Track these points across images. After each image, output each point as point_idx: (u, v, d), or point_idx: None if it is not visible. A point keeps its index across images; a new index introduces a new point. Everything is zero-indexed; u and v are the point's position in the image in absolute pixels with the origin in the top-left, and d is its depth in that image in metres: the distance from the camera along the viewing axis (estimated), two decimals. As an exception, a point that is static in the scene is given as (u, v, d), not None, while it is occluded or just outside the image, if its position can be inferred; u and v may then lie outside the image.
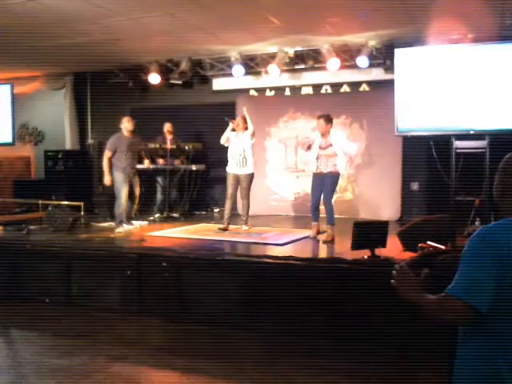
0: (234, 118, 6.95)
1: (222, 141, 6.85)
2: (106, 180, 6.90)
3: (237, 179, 6.79)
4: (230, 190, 6.83)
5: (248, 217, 6.92)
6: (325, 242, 5.98)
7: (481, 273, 1.53)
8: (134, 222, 7.20)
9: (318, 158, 6.15)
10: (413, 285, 1.66)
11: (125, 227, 6.89)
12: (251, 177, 6.81)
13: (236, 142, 6.80)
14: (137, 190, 7.16)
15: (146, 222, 7.42)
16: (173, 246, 5.72)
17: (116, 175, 6.91)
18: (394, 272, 1.69)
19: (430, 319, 1.64)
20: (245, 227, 6.84)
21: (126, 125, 6.98)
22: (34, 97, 10.35)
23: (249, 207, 6.88)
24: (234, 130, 6.85)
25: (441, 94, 6.61)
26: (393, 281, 1.68)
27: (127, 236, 6.58)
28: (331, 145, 6.09)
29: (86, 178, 9.65)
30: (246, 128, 6.79)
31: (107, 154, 6.93)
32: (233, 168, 6.81)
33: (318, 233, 6.28)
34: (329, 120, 6.14)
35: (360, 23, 6.55)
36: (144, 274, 5.35)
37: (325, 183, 6.14)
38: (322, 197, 6.23)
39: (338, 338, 4.39)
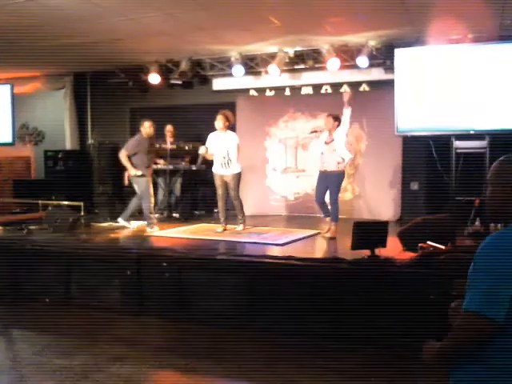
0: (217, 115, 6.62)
1: (201, 151, 6.63)
2: (133, 172, 6.83)
3: (224, 180, 6.63)
4: (219, 191, 6.71)
5: (244, 217, 6.81)
6: (330, 239, 6.16)
7: (497, 284, 1.50)
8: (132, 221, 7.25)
9: (322, 154, 6.25)
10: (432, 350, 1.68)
11: (155, 227, 6.90)
12: (238, 176, 6.61)
13: (218, 142, 6.57)
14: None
15: (145, 222, 7.40)
16: (173, 246, 5.73)
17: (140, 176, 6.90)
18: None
19: (456, 349, 1.61)
20: (239, 227, 6.76)
21: (148, 130, 6.96)
22: (34, 97, 10.36)
23: (242, 207, 6.75)
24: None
25: (441, 93, 6.62)
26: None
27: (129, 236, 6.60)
28: (334, 139, 6.19)
29: (86, 178, 9.64)
30: (228, 126, 6.59)
31: (124, 153, 6.89)
32: (218, 169, 6.63)
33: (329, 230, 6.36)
34: (337, 118, 6.24)
35: (360, 23, 6.55)
36: (144, 274, 5.35)
37: (329, 181, 6.25)
38: (326, 194, 6.38)
39: (338, 337, 4.39)
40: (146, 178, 6.90)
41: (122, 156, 6.88)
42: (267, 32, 6.96)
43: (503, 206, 1.64)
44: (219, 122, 6.54)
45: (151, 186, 6.98)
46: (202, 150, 6.64)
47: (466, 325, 1.54)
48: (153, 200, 6.95)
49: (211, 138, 6.65)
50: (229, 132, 6.64)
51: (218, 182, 6.68)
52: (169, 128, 8.21)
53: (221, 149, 6.56)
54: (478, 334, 1.53)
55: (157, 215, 8.12)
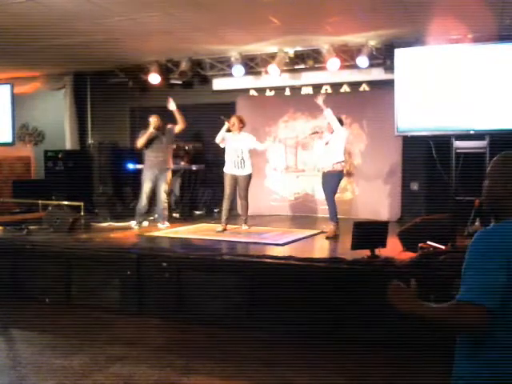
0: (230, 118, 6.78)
1: (217, 140, 6.73)
2: (150, 129, 7.05)
3: (234, 180, 6.73)
4: (227, 191, 6.76)
5: (247, 216, 6.93)
6: (327, 238, 6.20)
7: (491, 275, 1.51)
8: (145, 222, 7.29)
9: (323, 154, 6.38)
10: (409, 296, 1.63)
11: (135, 225, 6.99)
12: (249, 178, 6.76)
13: (232, 142, 6.70)
14: (161, 189, 7.08)
15: (146, 222, 7.40)
16: (173, 246, 5.72)
17: (143, 171, 7.10)
18: (388, 289, 1.67)
19: (439, 328, 1.62)
20: (244, 226, 6.85)
21: (152, 123, 7.09)
22: (34, 97, 10.35)
23: (248, 207, 6.87)
24: (229, 130, 6.73)
25: (441, 93, 6.61)
26: (389, 296, 1.66)
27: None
28: (332, 140, 6.28)
29: (86, 178, 9.63)
30: (242, 128, 6.72)
31: (137, 142, 7.13)
32: (230, 169, 6.73)
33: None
34: (338, 121, 6.31)
35: (360, 23, 6.55)
36: (144, 274, 5.35)
37: (325, 181, 6.38)
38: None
39: (338, 338, 4.39)
40: (146, 175, 6.96)
41: (138, 144, 7.06)
42: (267, 32, 6.96)
43: (503, 201, 1.65)
44: (234, 122, 6.67)
45: (147, 185, 7.00)
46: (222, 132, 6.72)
47: (461, 314, 1.53)
48: (144, 200, 7.01)
49: (227, 135, 6.72)
50: (242, 133, 6.74)
51: (228, 182, 6.75)
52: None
53: (235, 149, 6.67)
54: (476, 325, 1.53)
55: (157, 215, 8.12)
